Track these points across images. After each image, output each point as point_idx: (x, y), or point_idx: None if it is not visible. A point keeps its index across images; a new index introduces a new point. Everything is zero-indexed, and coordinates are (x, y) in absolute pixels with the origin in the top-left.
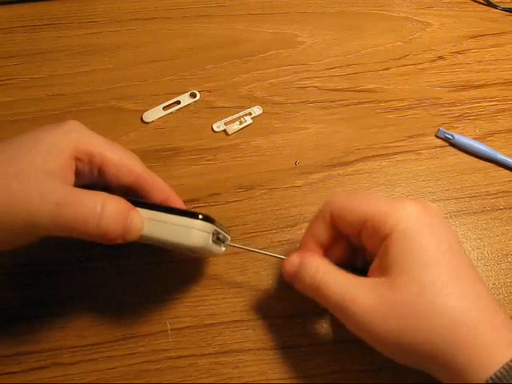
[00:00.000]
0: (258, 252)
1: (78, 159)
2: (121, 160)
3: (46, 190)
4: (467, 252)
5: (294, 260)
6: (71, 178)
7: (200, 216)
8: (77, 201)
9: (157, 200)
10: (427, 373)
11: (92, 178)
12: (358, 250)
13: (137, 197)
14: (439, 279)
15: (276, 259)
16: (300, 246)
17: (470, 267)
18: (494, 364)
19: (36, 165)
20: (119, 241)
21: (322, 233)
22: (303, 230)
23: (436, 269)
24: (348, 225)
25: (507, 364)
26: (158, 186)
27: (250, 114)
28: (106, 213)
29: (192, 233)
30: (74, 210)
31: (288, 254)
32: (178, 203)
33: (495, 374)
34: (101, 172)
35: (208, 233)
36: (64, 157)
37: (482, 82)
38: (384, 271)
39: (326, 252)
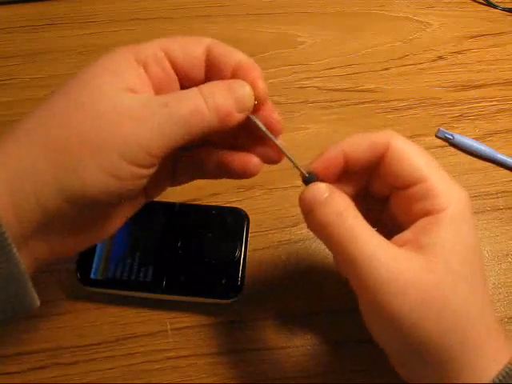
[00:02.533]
0: (286, 155)
1: (144, 65)
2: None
3: (142, 103)
4: None
5: (323, 188)
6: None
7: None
8: (179, 96)
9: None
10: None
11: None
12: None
13: None
14: (474, 277)
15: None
16: (320, 157)
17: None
18: (494, 368)
19: (112, 87)
20: (234, 118)
21: (358, 156)
22: (303, 230)
23: (472, 266)
24: (397, 173)
25: (507, 366)
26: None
27: None
28: (210, 90)
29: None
30: (182, 105)
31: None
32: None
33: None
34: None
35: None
36: (131, 69)
37: (482, 81)
38: (420, 248)
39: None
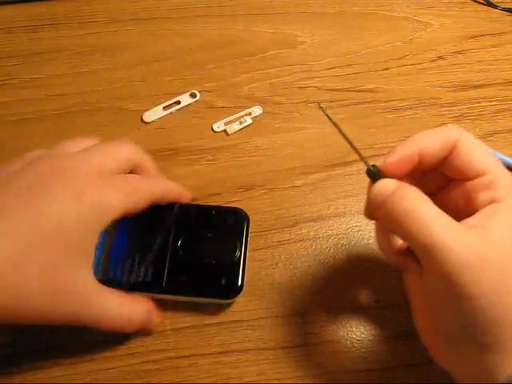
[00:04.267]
0: (350, 144)
1: None
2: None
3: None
4: None
5: (391, 182)
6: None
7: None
8: (117, 313)
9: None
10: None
11: None
12: None
13: None
14: None
15: None
16: (394, 153)
17: None
18: None
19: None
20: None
21: (432, 155)
22: (303, 230)
23: None
24: (463, 167)
25: None
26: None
27: (250, 114)
28: (134, 321)
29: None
30: (111, 322)
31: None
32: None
33: None
34: None
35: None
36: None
37: (482, 81)
38: (486, 230)
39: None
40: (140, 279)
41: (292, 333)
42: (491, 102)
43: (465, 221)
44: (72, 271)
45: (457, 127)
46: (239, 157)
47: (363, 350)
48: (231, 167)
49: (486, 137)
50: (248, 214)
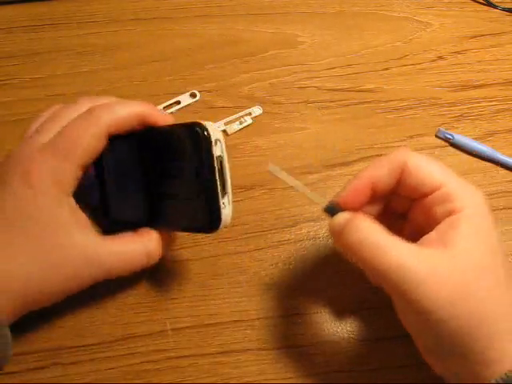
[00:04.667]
0: (300, 189)
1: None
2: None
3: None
4: None
5: (344, 215)
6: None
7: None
8: (128, 252)
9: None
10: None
11: None
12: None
13: None
14: (496, 271)
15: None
16: (347, 188)
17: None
18: None
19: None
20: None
21: (382, 179)
22: (303, 230)
23: (494, 260)
24: (416, 185)
25: None
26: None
27: (250, 114)
28: (152, 252)
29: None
30: (124, 264)
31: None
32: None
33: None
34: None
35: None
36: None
37: (482, 81)
38: (445, 245)
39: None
40: (123, 220)
41: (291, 333)
42: (491, 101)
43: (425, 237)
44: (63, 241)
45: (404, 149)
46: (239, 157)
47: (363, 350)
48: (231, 167)
49: (485, 137)
50: (248, 214)
